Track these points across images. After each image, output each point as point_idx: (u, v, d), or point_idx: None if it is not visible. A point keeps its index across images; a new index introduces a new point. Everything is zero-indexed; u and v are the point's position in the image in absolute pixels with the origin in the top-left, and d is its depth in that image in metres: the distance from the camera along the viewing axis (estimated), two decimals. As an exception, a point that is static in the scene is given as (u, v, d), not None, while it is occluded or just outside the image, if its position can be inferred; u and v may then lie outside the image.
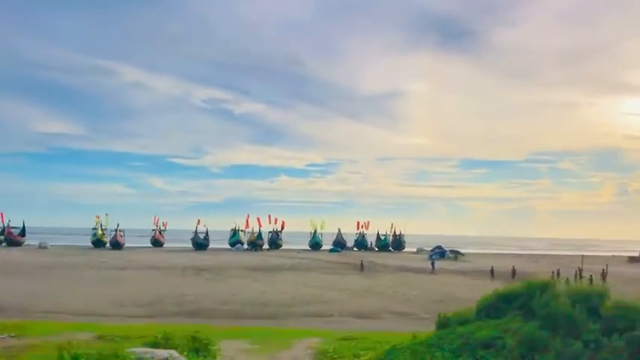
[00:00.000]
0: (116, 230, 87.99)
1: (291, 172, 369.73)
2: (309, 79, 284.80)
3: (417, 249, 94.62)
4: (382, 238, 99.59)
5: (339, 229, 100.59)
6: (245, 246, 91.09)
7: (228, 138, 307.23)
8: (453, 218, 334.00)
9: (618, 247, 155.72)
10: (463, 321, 16.33)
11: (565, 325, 14.59)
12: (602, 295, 16.53)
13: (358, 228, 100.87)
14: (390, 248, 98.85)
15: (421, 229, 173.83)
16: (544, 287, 16.13)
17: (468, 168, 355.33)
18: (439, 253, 77.44)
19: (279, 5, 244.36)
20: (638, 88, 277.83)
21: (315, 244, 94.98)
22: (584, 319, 14.80)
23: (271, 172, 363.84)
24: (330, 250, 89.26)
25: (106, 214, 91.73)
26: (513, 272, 48.69)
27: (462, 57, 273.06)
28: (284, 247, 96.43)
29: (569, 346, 13.85)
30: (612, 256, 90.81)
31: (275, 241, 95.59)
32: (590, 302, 15.95)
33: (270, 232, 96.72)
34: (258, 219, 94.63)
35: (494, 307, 16.90)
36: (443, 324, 17.05)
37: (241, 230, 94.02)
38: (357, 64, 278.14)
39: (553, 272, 45.54)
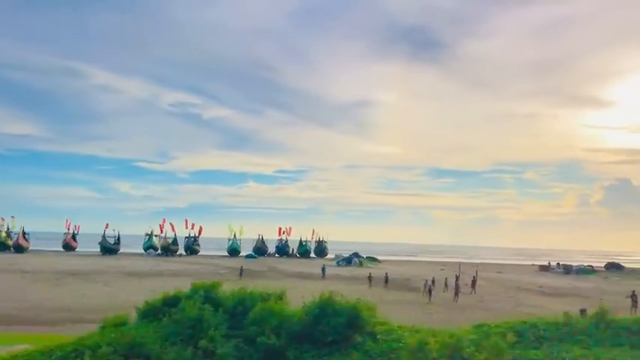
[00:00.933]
0: (19, 234, 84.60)
1: (259, 178, 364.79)
2: (279, 85, 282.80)
3: (336, 255, 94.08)
4: (303, 244, 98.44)
5: (259, 235, 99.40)
6: (158, 251, 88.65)
7: (195, 143, 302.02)
8: (420, 226, 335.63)
9: (570, 256, 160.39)
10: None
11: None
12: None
13: (280, 234, 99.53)
14: (313, 254, 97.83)
15: (388, 237, 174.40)
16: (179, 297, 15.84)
17: (434, 177, 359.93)
18: (346, 259, 76.55)
19: (249, 11, 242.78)
20: (599, 102, 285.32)
21: (233, 250, 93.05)
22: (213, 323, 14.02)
23: (239, 178, 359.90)
24: (247, 257, 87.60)
25: (12, 217, 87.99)
26: (386, 279, 48.07)
27: (430, 67, 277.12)
28: (202, 252, 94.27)
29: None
30: (532, 264, 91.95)
31: (190, 247, 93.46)
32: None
33: (186, 237, 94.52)
34: (172, 224, 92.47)
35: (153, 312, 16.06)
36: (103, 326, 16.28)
37: (155, 235, 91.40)
38: (328, 71, 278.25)
39: (427, 280, 44.91)
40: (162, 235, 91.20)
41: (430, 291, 39.79)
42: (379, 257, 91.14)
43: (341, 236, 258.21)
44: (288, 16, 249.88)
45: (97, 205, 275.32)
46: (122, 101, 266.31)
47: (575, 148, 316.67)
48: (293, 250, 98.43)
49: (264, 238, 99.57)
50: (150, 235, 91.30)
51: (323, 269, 57.59)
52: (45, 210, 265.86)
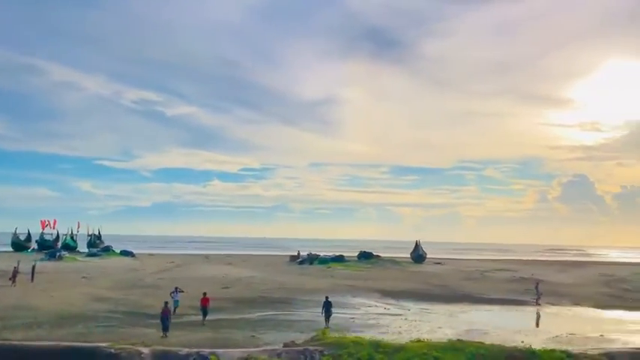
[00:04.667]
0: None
1: (224, 176, 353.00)
2: (244, 83, 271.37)
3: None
4: (67, 237, 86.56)
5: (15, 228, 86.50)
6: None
7: (159, 141, 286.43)
8: (385, 223, 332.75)
9: (532, 250, 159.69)
10: None
11: None
12: None
13: (43, 227, 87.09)
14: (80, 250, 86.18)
15: (353, 233, 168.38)
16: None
17: (399, 174, 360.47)
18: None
19: (214, 8, 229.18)
20: (557, 100, 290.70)
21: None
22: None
23: (204, 176, 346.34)
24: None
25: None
26: None
27: (394, 66, 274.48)
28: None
29: None
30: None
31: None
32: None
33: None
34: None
35: None
36: None
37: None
38: (294, 69, 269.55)
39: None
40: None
41: None
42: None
43: (309, 234, 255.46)
44: (254, 14, 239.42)
45: (58, 204, 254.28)
46: (84, 98, 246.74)
47: (535, 146, 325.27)
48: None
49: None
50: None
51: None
52: (3, 211, 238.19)
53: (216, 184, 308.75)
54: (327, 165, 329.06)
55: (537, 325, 29.42)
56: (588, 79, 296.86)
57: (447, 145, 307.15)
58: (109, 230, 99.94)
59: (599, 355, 11.55)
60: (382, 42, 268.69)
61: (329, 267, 58.77)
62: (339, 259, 64.74)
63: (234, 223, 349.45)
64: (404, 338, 21.94)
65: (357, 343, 12.79)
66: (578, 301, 37.70)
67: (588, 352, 11.80)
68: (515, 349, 12.35)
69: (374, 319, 28.53)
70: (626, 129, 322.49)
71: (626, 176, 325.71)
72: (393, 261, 67.29)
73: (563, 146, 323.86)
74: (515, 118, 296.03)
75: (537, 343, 22.86)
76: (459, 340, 13.81)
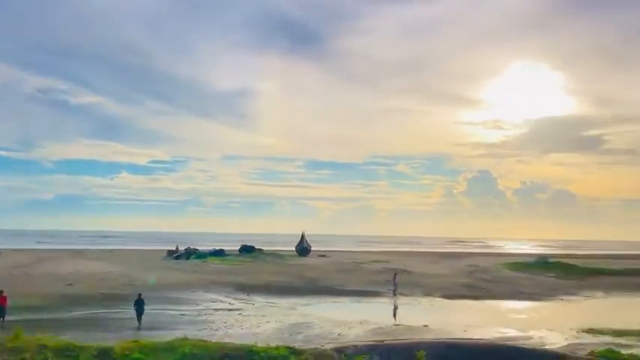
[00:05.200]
0: None
1: (133, 168, 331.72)
2: (155, 73, 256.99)
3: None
4: None
5: None
6: None
7: (62, 130, 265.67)
8: (300, 217, 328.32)
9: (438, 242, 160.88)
10: None
11: None
12: None
13: None
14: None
15: (268, 227, 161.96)
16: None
17: (313, 169, 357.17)
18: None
19: None
20: (465, 100, 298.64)
21: None
22: None
23: (111, 168, 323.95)
24: None
25: None
26: None
27: (309, 61, 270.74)
28: None
29: None
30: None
31: None
32: None
33: None
34: None
35: None
36: None
37: None
38: (207, 60, 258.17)
39: None
40: None
41: None
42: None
43: (222, 228, 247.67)
44: (167, 2, 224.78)
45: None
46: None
47: (443, 143, 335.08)
48: None
49: None
50: None
51: None
52: None
53: (125, 177, 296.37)
54: (240, 158, 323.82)
55: (394, 316, 29.55)
56: (493, 80, 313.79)
57: (360, 141, 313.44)
58: (8, 225, 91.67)
59: (331, 350, 10.85)
60: (298, 36, 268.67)
61: (204, 261, 56.95)
62: (219, 253, 63.05)
63: (144, 216, 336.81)
64: (216, 335, 20.91)
65: (42, 345, 11.37)
66: (430, 291, 38.44)
67: (320, 347, 11.12)
68: (234, 347, 11.53)
69: (207, 314, 27.39)
70: (526, 127, 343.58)
71: (526, 172, 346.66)
72: (275, 254, 66.47)
73: (468, 143, 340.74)
74: (425, 115, 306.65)
75: (354, 335, 22.61)
76: (183, 338, 12.85)
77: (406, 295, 36.50)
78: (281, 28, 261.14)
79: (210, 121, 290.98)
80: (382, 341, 12.22)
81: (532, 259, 63.53)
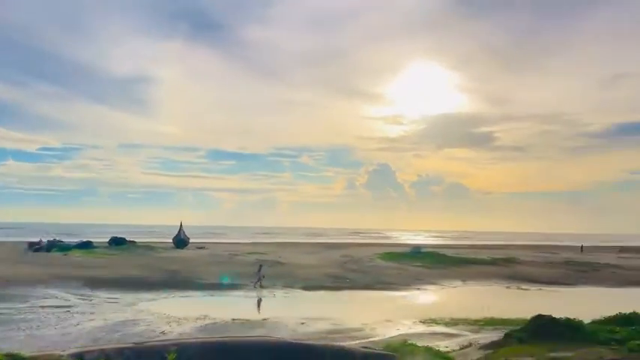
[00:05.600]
0: None
1: (20, 155, 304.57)
2: (46, 54, 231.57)
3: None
4: None
5: None
6: None
7: None
8: (202, 209, 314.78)
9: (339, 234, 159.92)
10: None
11: None
12: None
13: None
14: None
15: (167, 219, 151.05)
16: None
17: (216, 159, 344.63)
18: None
19: None
20: (368, 95, 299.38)
21: None
22: None
23: None
24: None
25: None
26: None
27: (213, 49, 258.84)
28: None
29: None
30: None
31: None
32: None
33: None
34: None
35: None
36: None
37: None
38: (104, 44, 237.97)
39: None
40: None
41: None
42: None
43: (119, 219, 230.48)
44: None
45: None
46: None
47: (346, 136, 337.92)
48: None
49: None
50: None
51: None
52: None
53: (11, 164, 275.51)
54: (139, 147, 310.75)
55: (260, 309, 28.16)
56: (395, 76, 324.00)
57: (264, 132, 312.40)
58: None
59: (68, 356, 9.37)
60: (202, 23, 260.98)
61: (66, 254, 53.00)
62: (85, 245, 59.09)
63: (33, 207, 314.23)
64: (18, 337, 18.74)
65: None
66: (293, 283, 37.82)
67: (54, 353, 9.62)
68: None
69: (28, 313, 24.84)
70: (423, 123, 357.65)
71: (422, 166, 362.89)
72: (147, 247, 63.48)
73: (370, 137, 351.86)
74: (329, 108, 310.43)
75: (179, 332, 21.23)
76: None
77: (266, 288, 35.58)
78: (184, 14, 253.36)
79: (107, 108, 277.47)
80: (142, 343, 10.90)
81: (408, 250, 65.19)
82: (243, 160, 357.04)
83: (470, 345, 18.51)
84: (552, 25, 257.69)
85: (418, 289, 37.84)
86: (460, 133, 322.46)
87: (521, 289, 39.89)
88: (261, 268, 38.11)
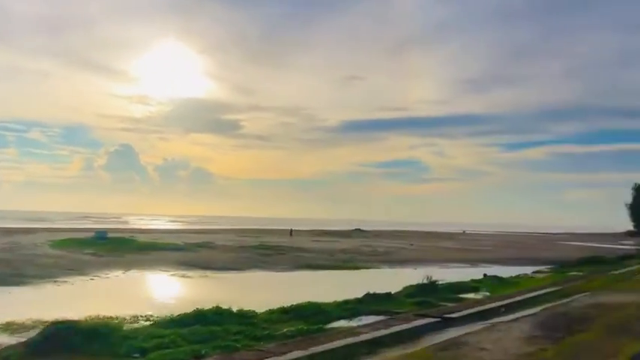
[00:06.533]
0: None
1: None
2: None
3: None
4: None
5: None
6: None
7: None
8: None
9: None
10: None
11: None
12: None
13: None
14: None
15: None
16: None
17: None
18: None
19: None
20: (112, 71, 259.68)
21: None
22: None
23: None
24: None
25: None
26: None
27: None
28: None
29: None
30: None
31: None
32: None
33: None
34: None
35: None
36: None
37: None
38: None
39: None
40: None
41: None
42: None
43: None
44: None
45: None
46: None
47: (84, 113, 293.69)
48: None
49: None
50: None
51: None
52: None
53: None
54: None
55: None
56: (142, 55, 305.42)
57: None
58: None
59: None
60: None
61: None
62: None
63: None
64: None
65: None
66: None
67: None
68: None
69: None
70: (171, 105, 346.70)
71: (168, 149, 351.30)
72: None
73: (112, 115, 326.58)
74: (66, 81, 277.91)
75: None
76: None
77: None
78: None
79: None
80: None
81: (91, 235, 58.61)
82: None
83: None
84: (300, 25, 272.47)
85: (55, 281, 32.05)
86: (207, 118, 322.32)
87: (187, 276, 37.23)
88: None
